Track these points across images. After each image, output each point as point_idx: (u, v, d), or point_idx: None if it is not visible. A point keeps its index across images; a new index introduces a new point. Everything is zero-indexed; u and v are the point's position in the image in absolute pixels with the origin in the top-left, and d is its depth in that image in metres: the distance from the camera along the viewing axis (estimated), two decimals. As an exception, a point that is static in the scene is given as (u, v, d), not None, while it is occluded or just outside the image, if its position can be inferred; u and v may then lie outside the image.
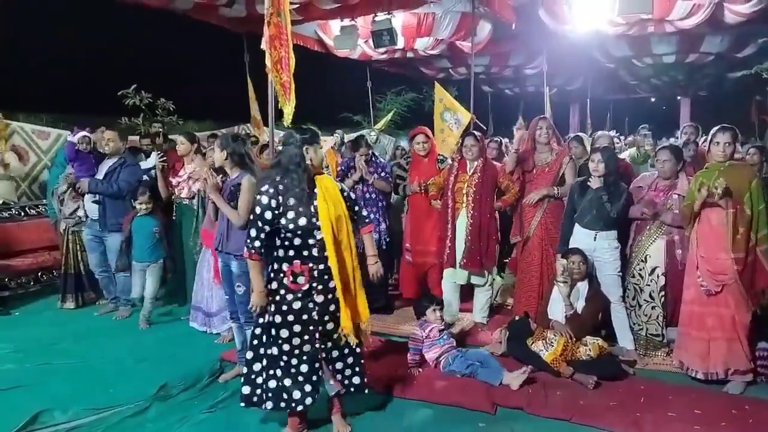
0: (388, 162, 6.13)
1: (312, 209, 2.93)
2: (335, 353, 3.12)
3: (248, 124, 9.53)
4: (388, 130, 12.66)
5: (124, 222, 4.94)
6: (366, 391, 3.22)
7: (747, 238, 3.52)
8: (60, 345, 4.34)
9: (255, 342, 3.07)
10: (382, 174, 5.30)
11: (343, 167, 5.47)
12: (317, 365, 3.02)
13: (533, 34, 8.96)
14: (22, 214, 5.89)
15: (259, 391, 3.04)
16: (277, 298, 2.97)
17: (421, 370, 3.88)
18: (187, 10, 7.22)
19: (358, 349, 3.18)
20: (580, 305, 3.97)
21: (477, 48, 7.92)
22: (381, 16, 8.03)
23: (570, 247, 4.14)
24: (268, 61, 4.29)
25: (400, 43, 8.66)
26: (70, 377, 3.76)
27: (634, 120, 12.48)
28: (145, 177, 5.19)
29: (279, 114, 4.89)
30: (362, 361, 3.22)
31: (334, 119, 12.71)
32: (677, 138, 7.83)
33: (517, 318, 4.25)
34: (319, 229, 2.93)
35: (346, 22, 8.35)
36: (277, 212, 2.88)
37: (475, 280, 4.63)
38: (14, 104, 7.13)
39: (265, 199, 2.87)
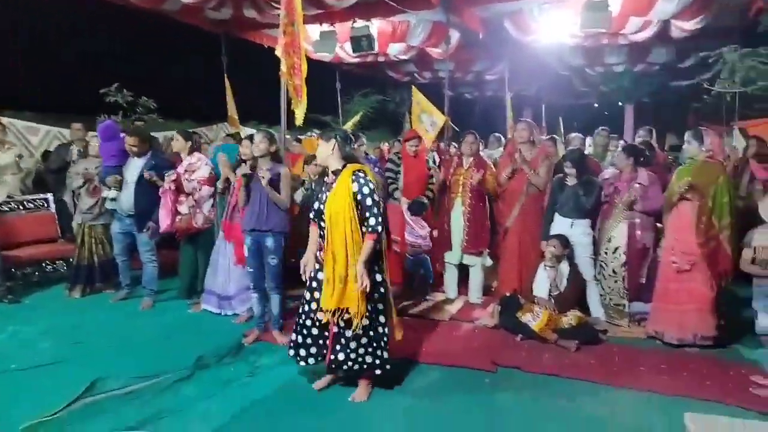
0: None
1: (324, 197, 3.26)
2: (347, 332, 3.27)
3: (225, 123, 9.77)
4: (354, 130, 13.09)
5: None
6: (377, 371, 3.36)
7: (709, 226, 4.15)
8: (85, 327, 4.55)
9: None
10: (375, 170, 5.78)
11: None
12: (326, 332, 3.41)
13: (497, 43, 9.63)
14: (21, 207, 6.02)
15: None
16: (315, 265, 3.41)
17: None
18: (174, 11, 7.47)
19: (371, 332, 3.29)
20: (563, 285, 4.58)
21: (447, 54, 8.51)
22: (360, 23, 8.49)
23: (552, 234, 4.74)
24: (283, 66, 4.71)
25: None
26: (106, 353, 4.01)
27: (583, 124, 13.41)
28: None
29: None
30: (374, 342, 3.31)
31: (305, 119, 13.04)
32: (625, 141, 8.69)
33: (507, 294, 4.82)
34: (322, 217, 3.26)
35: (326, 26, 8.77)
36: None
37: (467, 260, 5.23)
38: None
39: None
